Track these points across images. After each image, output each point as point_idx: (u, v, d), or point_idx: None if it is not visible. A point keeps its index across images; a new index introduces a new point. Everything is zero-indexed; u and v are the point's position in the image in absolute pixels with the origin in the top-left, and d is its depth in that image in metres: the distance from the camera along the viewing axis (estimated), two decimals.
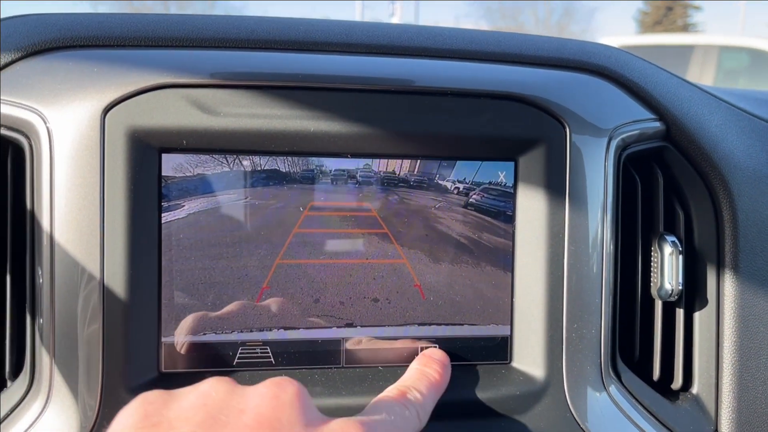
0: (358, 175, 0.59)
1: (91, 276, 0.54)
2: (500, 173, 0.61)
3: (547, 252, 0.60)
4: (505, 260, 0.61)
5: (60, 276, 0.54)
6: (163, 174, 0.56)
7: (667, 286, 0.62)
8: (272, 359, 0.59)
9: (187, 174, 0.57)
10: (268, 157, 0.58)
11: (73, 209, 0.54)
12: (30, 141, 0.55)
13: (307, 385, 0.58)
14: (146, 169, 0.55)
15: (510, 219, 0.61)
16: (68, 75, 0.54)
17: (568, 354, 0.60)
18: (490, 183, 0.61)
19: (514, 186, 0.61)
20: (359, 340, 0.60)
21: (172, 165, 0.56)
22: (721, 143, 0.65)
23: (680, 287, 0.63)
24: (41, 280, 0.54)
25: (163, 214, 0.56)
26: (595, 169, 0.61)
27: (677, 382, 0.66)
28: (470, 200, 0.61)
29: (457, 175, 0.61)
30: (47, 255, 0.54)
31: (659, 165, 0.66)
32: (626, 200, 0.65)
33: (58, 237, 0.54)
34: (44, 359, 0.54)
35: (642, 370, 0.66)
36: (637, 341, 0.66)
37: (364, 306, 0.60)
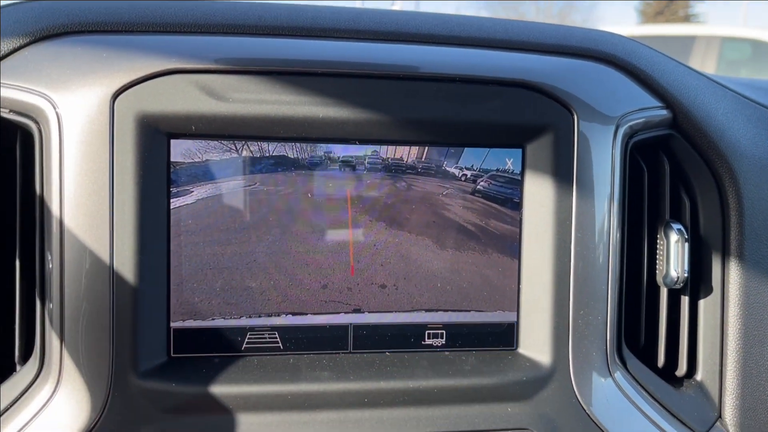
0: (366, 162, 0.59)
1: (100, 261, 0.54)
2: (508, 160, 0.61)
3: (554, 239, 0.60)
4: (512, 247, 0.61)
5: (69, 261, 0.54)
6: (172, 159, 0.56)
7: (673, 274, 0.63)
8: (280, 344, 0.59)
9: (196, 159, 0.57)
10: (276, 144, 0.58)
11: (83, 194, 0.54)
12: (39, 126, 0.55)
13: (314, 370, 0.58)
14: (155, 154, 0.55)
15: (517, 206, 0.61)
16: (77, 60, 0.54)
17: (574, 340, 0.60)
18: (497, 170, 0.61)
19: (522, 173, 0.61)
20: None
21: (180, 150, 0.56)
22: (727, 132, 0.65)
23: (686, 275, 0.63)
24: (51, 265, 0.54)
25: (171, 200, 0.56)
26: (603, 156, 0.61)
27: (682, 369, 0.66)
28: (478, 187, 0.61)
29: (465, 162, 0.61)
30: (57, 240, 0.54)
31: (666, 153, 0.66)
32: (633, 188, 0.65)
33: (68, 222, 0.54)
34: (54, 343, 0.54)
35: (647, 356, 0.66)
36: (643, 328, 0.66)
37: (371, 292, 0.60)
